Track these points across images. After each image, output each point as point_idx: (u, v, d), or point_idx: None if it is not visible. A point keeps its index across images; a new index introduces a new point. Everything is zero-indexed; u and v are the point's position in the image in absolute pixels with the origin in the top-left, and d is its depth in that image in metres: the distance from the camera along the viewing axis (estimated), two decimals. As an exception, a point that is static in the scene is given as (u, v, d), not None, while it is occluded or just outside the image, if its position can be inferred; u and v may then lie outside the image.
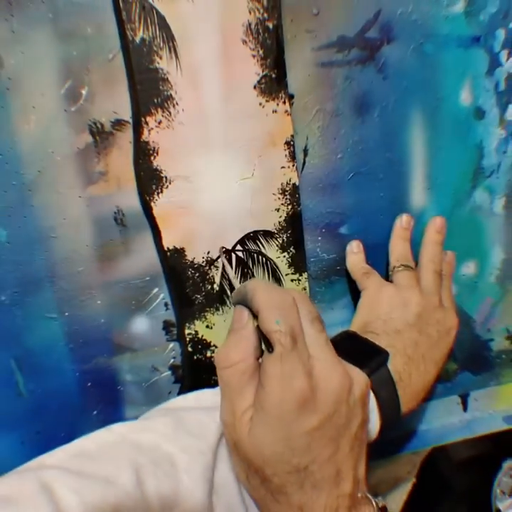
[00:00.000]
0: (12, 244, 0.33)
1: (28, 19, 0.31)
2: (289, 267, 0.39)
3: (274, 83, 0.35)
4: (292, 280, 0.39)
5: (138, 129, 0.33)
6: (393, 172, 0.39)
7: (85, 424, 0.38)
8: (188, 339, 0.38)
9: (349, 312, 0.41)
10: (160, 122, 0.34)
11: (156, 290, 0.37)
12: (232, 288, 0.38)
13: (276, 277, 0.39)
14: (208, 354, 0.39)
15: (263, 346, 0.28)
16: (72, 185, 0.34)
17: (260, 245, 0.38)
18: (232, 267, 0.37)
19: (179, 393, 0.39)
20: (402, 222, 0.39)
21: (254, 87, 0.34)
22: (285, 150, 0.36)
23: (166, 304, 0.37)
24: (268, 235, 0.38)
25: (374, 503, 0.28)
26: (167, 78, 0.33)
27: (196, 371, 0.39)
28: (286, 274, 0.39)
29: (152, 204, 0.35)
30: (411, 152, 0.39)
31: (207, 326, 0.38)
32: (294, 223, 0.38)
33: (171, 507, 0.27)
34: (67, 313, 0.35)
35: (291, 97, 0.35)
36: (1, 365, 0.35)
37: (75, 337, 0.36)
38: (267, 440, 0.26)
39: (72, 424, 0.38)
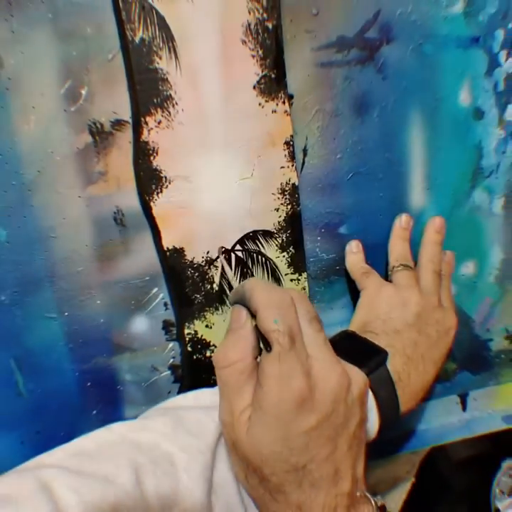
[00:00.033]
0: (12, 244, 0.33)
1: (28, 19, 0.31)
2: (289, 266, 0.39)
3: (274, 83, 0.35)
4: (292, 280, 0.39)
5: (137, 129, 0.33)
6: (392, 172, 0.39)
7: (85, 423, 0.38)
8: (187, 339, 0.38)
9: (348, 312, 0.41)
10: (159, 122, 0.34)
11: (155, 290, 0.37)
12: (231, 288, 0.38)
13: (275, 277, 0.39)
14: (208, 354, 0.39)
15: (261, 346, 0.28)
16: (71, 185, 0.34)
17: (260, 245, 0.38)
18: (231, 267, 0.37)
19: (179, 393, 0.39)
20: (402, 222, 0.40)
21: (254, 87, 0.35)
22: (284, 150, 0.36)
23: (165, 304, 0.37)
24: (267, 234, 0.38)
25: (373, 502, 0.28)
26: (167, 78, 0.33)
27: (196, 371, 0.39)
28: (286, 274, 0.39)
29: (152, 204, 0.35)
30: (410, 152, 0.39)
31: (206, 326, 0.38)
32: (293, 223, 0.38)
33: (171, 506, 0.27)
34: (66, 313, 0.35)
35: (290, 97, 0.35)
36: (1, 364, 0.35)
37: (74, 337, 0.36)
38: (265, 439, 0.26)
39: (71, 424, 0.38)
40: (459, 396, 0.46)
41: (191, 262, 0.37)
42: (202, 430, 0.30)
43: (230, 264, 0.37)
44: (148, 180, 0.34)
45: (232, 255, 0.37)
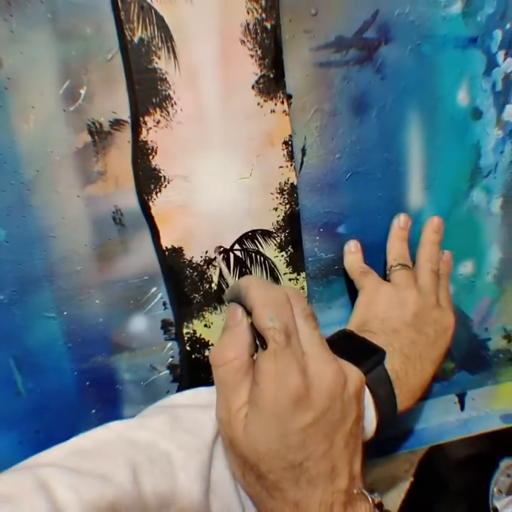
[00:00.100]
0: (11, 244, 0.34)
1: (27, 19, 0.31)
2: (287, 266, 0.39)
3: (273, 83, 0.35)
4: (290, 279, 0.39)
5: (136, 128, 0.34)
6: (391, 172, 0.39)
7: (84, 422, 0.38)
8: (186, 338, 0.38)
9: (347, 311, 0.41)
10: (158, 122, 0.34)
11: (154, 289, 0.37)
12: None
13: (274, 276, 0.39)
14: (206, 353, 0.39)
15: (258, 343, 0.28)
16: (70, 185, 0.34)
17: (258, 245, 0.38)
18: (229, 267, 0.37)
19: (177, 392, 0.39)
20: (400, 222, 0.40)
21: (253, 87, 0.35)
22: (283, 150, 0.36)
23: (164, 303, 0.37)
24: (266, 234, 0.38)
25: (370, 500, 0.28)
26: (165, 78, 0.33)
27: (194, 370, 0.39)
28: (284, 274, 0.39)
29: (150, 203, 0.35)
30: (408, 152, 0.39)
31: (205, 325, 0.38)
32: (292, 223, 0.38)
33: (168, 505, 0.27)
34: (65, 313, 0.36)
35: (289, 97, 0.36)
36: (0, 364, 0.35)
37: (73, 336, 0.36)
38: (261, 437, 0.26)
39: (70, 423, 0.38)
40: (457, 395, 0.46)
41: (190, 261, 0.37)
42: (199, 428, 0.30)
43: (228, 264, 0.37)
44: (147, 179, 0.35)
45: (231, 255, 0.37)
